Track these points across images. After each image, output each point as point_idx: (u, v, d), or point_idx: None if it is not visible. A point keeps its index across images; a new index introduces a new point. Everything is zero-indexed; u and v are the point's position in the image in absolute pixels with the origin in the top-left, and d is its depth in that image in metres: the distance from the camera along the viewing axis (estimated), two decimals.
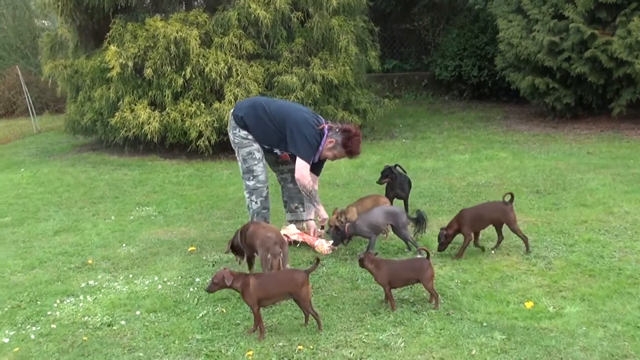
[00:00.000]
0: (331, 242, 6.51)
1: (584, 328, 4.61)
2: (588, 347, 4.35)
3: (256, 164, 6.54)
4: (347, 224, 6.32)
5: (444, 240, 6.11)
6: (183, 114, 11.28)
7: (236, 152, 6.64)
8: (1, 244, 7.52)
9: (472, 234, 6.13)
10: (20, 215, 8.67)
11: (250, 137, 6.49)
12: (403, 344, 4.58)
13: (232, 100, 10.95)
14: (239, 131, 6.49)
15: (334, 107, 12.04)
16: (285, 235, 6.77)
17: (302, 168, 6.44)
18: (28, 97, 16.38)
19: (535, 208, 7.43)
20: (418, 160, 10.51)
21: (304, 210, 6.93)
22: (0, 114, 18.70)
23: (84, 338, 4.98)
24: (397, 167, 7.43)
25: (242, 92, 11.15)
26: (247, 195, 6.65)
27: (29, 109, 16.41)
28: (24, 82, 16.41)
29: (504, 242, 6.37)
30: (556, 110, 12.86)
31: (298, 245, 6.73)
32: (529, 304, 5.02)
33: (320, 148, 6.47)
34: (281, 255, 5.62)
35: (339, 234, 6.30)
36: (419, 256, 5.66)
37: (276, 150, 6.61)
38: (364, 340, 4.67)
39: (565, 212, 7.19)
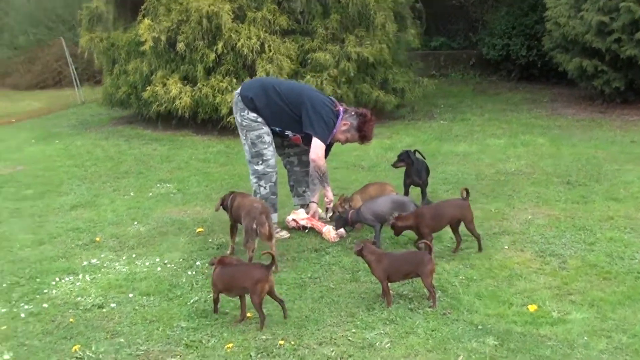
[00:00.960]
0: (340, 230, 6.29)
1: (586, 338, 4.28)
2: None
3: (266, 148, 6.33)
4: (350, 210, 6.09)
5: (395, 229, 5.79)
6: (214, 90, 11.14)
7: (243, 135, 6.40)
8: (18, 217, 7.54)
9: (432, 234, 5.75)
10: (42, 188, 8.69)
11: (260, 119, 6.27)
12: (389, 344, 4.34)
13: (265, 76, 10.73)
14: (248, 113, 6.27)
15: (369, 86, 11.74)
16: (294, 220, 6.62)
17: (318, 148, 6.23)
18: (72, 69, 16.52)
19: (562, 200, 7.04)
20: (451, 143, 10.14)
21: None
22: (49, 85, 18.96)
23: (71, 320, 4.90)
24: (416, 153, 7.14)
25: (275, 69, 10.94)
26: (254, 180, 6.45)
27: (74, 80, 16.56)
28: (68, 54, 16.54)
29: (519, 237, 6.05)
30: (605, 94, 12.26)
31: (307, 230, 6.53)
32: (532, 307, 4.70)
33: (335, 130, 6.25)
34: (267, 224, 5.53)
35: (342, 219, 6.08)
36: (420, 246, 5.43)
37: (287, 132, 6.39)
38: (350, 338, 4.45)
39: (593, 207, 6.78)
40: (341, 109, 6.30)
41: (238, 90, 6.45)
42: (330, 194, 6.49)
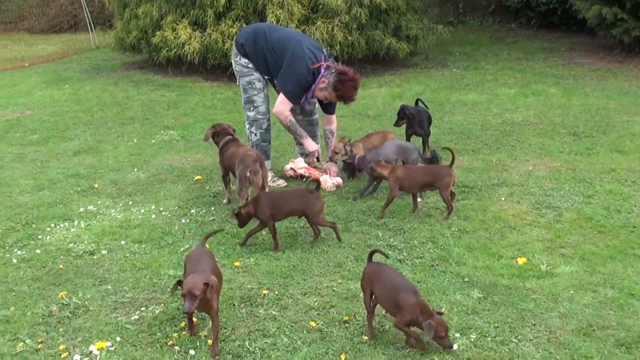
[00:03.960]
0: (335, 179, 6.25)
1: (571, 292, 4.23)
2: (567, 314, 3.98)
3: (256, 94, 6.25)
4: (357, 157, 5.99)
5: (237, 219, 5.20)
6: (224, 35, 10.97)
7: (237, 81, 6.36)
8: (21, 162, 7.58)
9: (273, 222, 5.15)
10: (48, 134, 8.71)
11: (250, 65, 6.18)
12: None
13: (274, 22, 10.56)
14: (240, 59, 6.19)
15: (382, 33, 11.49)
16: (292, 169, 6.57)
17: (280, 103, 6.11)
18: (86, 12, 16.40)
19: (565, 152, 6.90)
20: (461, 92, 9.95)
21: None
22: (64, 28, 18.85)
23: (61, 266, 4.94)
24: (418, 102, 7.03)
25: (285, 14, 10.75)
26: (247, 127, 6.41)
27: (88, 24, 16.46)
28: None
29: (518, 188, 5.96)
30: (624, 43, 11.89)
31: (304, 179, 6.48)
32: (521, 260, 4.65)
33: (313, 87, 6.06)
34: (260, 173, 5.49)
35: (349, 166, 6.02)
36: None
37: (275, 82, 6.28)
38: (335, 288, 4.44)
39: (597, 158, 6.64)
40: (324, 65, 5.99)
41: (236, 37, 6.36)
42: (308, 144, 6.35)
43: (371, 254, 3.96)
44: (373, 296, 3.84)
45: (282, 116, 6.12)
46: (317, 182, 5.31)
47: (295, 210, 5.15)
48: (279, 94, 6.56)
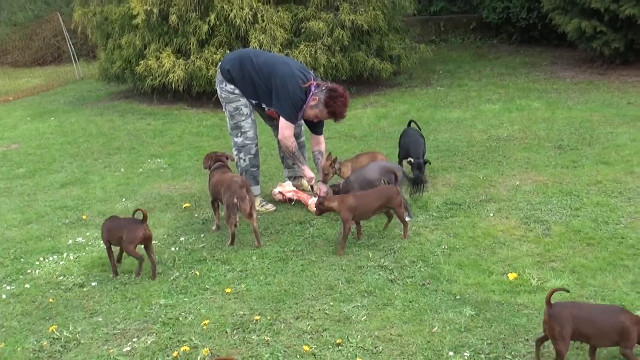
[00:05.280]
0: None
1: None
2: None
3: (244, 120, 6.26)
4: (341, 183, 5.99)
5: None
6: (208, 62, 11.01)
7: (223, 107, 6.37)
8: (8, 196, 7.54)
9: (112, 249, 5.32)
10: (34, 167, 8.67)
11: (237, 91, 6.19)
12: (365, 317, 4.32)
13: (257, 47, 10.62)
14: (226, 85, 6.21)
15: (364, 54, 11.57)
16: (280, 192, 6.57)
17: (284, 128, 6.12)
18: (70, 44, 16.42)
19: (551, 166, 6.94)
20: (446, 110, 10.00)
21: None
22: (48, 61, 18.83)
23: (50, 300, 4.90)
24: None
25: (268, 39, 10.80)
26: (235, 153, 6.40)
27: (72, 56, 16.47)
28: (65, 29, 16.42)
29: (506, 204, 5.99)
30: (604, 55, 12.02)
31: (293, 203, 6.49)
32: (512, 276, 4.66)
33: (305, 106, 6.08)
34: (248, 199, 5.49)
35: (334, 192, 6.01)
36: None
37: (263, 105, 6.30)
38: (327, 311, 4.43)
39: (582, 171, 6.67)
40: (313, 84, 6.04)
41: (220, 63, 6.39)
42: (307, 172, 6.39)
43: (550, 294, 3.58)
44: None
45: (289, 142, 6.15)
46: (144, 213, 5.13)
47: (119, 238, 5.18)
48: (264, 119, 6.61)
